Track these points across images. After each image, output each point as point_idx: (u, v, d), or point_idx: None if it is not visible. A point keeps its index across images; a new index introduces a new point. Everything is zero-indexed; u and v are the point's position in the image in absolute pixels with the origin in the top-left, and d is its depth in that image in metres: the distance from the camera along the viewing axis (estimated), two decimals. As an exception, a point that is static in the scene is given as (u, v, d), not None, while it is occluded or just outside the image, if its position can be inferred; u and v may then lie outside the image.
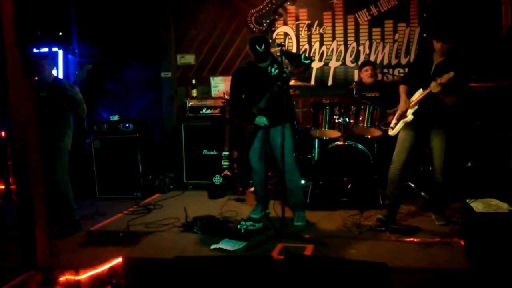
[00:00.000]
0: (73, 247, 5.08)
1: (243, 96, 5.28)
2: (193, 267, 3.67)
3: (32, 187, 4.43)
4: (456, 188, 5.70)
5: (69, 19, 6.96)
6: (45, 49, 6.71)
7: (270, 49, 5.12)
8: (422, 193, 6.06)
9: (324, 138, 6.25)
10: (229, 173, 6.72)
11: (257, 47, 4.98)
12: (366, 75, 6.52)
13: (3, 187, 7.20)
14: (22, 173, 4.46)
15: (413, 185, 6.17)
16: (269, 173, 6.58)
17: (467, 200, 4.40)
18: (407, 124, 5.00)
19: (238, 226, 4.91)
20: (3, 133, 7.35)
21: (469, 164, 5.87)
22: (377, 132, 6.00)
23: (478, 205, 4.22)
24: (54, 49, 6.92)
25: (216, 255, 4.43)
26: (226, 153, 6.77)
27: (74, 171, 7.03)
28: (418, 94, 4.86)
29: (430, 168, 5.51)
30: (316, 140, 6.54)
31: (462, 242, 4.43)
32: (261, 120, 5.08)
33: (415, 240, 4.61)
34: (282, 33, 7.48)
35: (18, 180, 4.55)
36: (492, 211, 4.08)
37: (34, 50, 4.37)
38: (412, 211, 5.58)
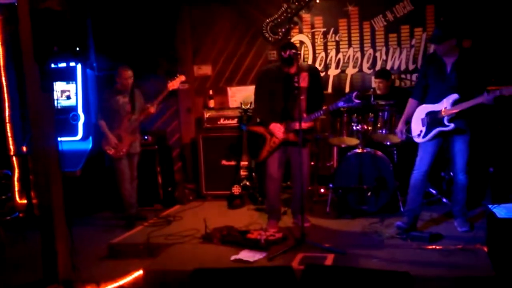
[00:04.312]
0: (93, 260, 5.12)
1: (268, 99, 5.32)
2: (213, 280, 3.67)
3: (54, 201, 4.46)
4: (478, 194, 5.64)
5: (87, 34, 7.04)
6: (63, 64, 6.80)
7: (297, 57, 5.12)
8: (444, 199, 5.99)
9: (343, 145, 6.22)
10: (248, 183, 6.72)
11: (282, 53, 5.04)
12: (377, 87, 6.50)
13: (25, 201, 7.27)
14: (43, 188, 4.49)
15: (433, 191, 6.10)
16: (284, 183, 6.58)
17: (489, 206, 4.35)
18: None
19: (258, 237, 4.90)
20: (24, 148, 7.45)
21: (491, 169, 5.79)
22: (396, 139, 5.95)
23: (500, 211, 4.16)
24: (72, 63, 7.01)
25: (236, 266, 4.41)
26: (245, 163, 6.77)
27: (94, 184, 7.15)
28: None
29: (451, 173, 5.44)
30: (335, 148, 6.51)
31: (485, 249, 4.36)
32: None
33: (437, 247, 4.56)
34: (298, 42, 7.46)
35: (39, 195, 4.59)
36: (515, 217, 4.02)
37: (52, 65, 4.44)
38: (433, 218, 5.52)
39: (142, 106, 6.39)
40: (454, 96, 4.79)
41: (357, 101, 4.87)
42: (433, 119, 4.91)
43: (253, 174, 6.79)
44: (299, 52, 5.98)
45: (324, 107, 5.20)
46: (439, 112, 4.86)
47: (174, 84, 6.31)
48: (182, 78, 6.41)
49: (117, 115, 6.24)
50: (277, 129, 5.21)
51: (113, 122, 6.24)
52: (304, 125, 5.10)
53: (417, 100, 5.09)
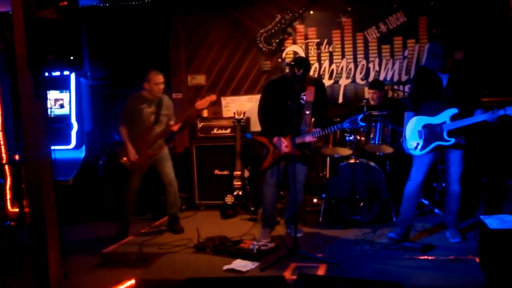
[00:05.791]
0: (86, 269, 5.09)
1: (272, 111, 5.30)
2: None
3: (45, 210, 4.44)
4: (469, 204, 5.66)
5: (81, 43, 7.05)
6: (57, 73, 6.80)
7: (308, 75, 5.15)
8: (436, 210, 6.01)
9: (336, 156, 6.24)
10: (241, 193, 6.72)
11: (296, 70, 5.01)
12: (370, 98, 6.53)
13: (17, 210, 7.25)
14: (35, 197, 4.48)
15: (426, 202, 6.12)
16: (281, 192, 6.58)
17: (481, 217, 4.37)
18: None
19: (251, 246, 4.90)
20: (17, 156, 7.43)
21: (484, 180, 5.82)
22: (389, 149, 5.98)
23: (492, 222, 4.18)
24: (66, 72, 7.01)
25: (229, 276, 4.41)
26: (238, 172, 6.77)
27: (86, 193, 7.14)
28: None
29: (443, 184, 5.46)
30: (328, 158, 6.53)
31: (477, 260, 4.38)
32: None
33: (430, 258, 4.57)
34: (292, 52, 7.49)
35: (31, 204, 4.57)
36: (507, 228, 4.03)
37: (46, 74, 4.45)
38: (425, 229, 5.53)
39: (170, 116, 5.98)
40: (453, 110, 4.79)
41: (362, 124, 4.80)
42: (431, 133, 4.88)
43: (246, 183, 6.80)
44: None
45: (327, 128, 5.10)
46: (438, 125, 4.85)
47: (204, 103, 5.91)
48: (213, 98, 5.98)
49: (139, 126, 5.85)
50: (281, 143, 5.18)
51: (133, 133, 5.85)
52: (309, 140, 5.12)
53: (415, 112, 5.06)
